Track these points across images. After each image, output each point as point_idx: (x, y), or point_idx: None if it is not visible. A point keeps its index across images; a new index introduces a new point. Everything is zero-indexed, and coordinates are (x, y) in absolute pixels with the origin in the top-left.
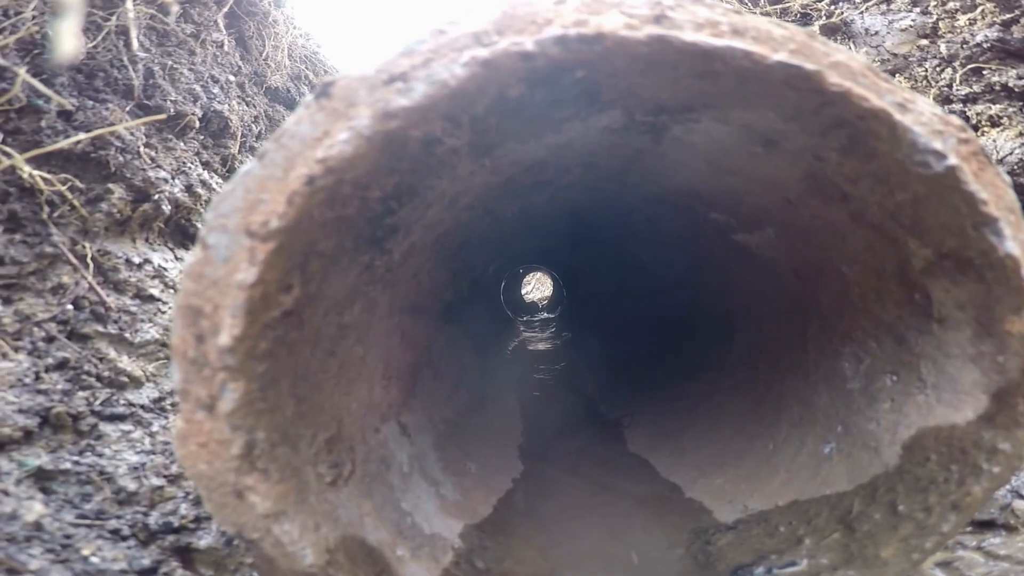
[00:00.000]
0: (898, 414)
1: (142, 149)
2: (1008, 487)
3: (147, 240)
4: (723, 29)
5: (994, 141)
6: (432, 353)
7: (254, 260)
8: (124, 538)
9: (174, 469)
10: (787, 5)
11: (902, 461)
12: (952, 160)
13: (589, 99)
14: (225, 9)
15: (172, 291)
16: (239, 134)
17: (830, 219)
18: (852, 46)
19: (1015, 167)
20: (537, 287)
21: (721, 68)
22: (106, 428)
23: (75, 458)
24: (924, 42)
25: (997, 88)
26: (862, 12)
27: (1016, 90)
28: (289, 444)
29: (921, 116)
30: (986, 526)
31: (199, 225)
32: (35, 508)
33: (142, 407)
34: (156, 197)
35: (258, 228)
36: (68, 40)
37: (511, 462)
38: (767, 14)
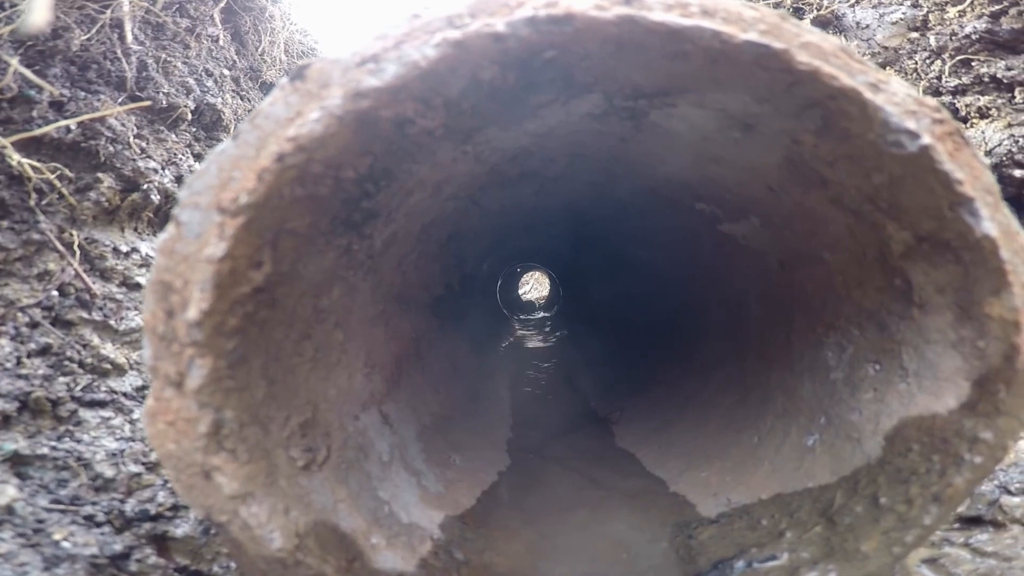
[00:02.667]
0: (880, 404)
1: (132, 140)
2: (996, 482)
3: (136, 229)
4: (693, 10)
5: (983, 132)
6: (420, 345)
7: (223, 235)
8: (98, 524)
9: (153, 456)
10: None
11: (884, 452)
12: (926, 140)
13: (565, 82)
14: (221, 4)
15: None
16: (232, 127)
17: (811, 206)
18: (844, 39)
19: (1003, 158)
20: (535, 287)
21: (691, 49)
22: (86, 414)
23: (53, 443)
24: (914, 35)
25: (986, 79)
26: (853, 5)
27: (1005, 81)
28: (259, 425)
29: (894, 96)
30: (973, 522)
31: None
32: (8, 492)
33: (124, 394)
34: (145, 187)
35: (228, 204)
36: (39, 10)
37: (498, 455)
38: None
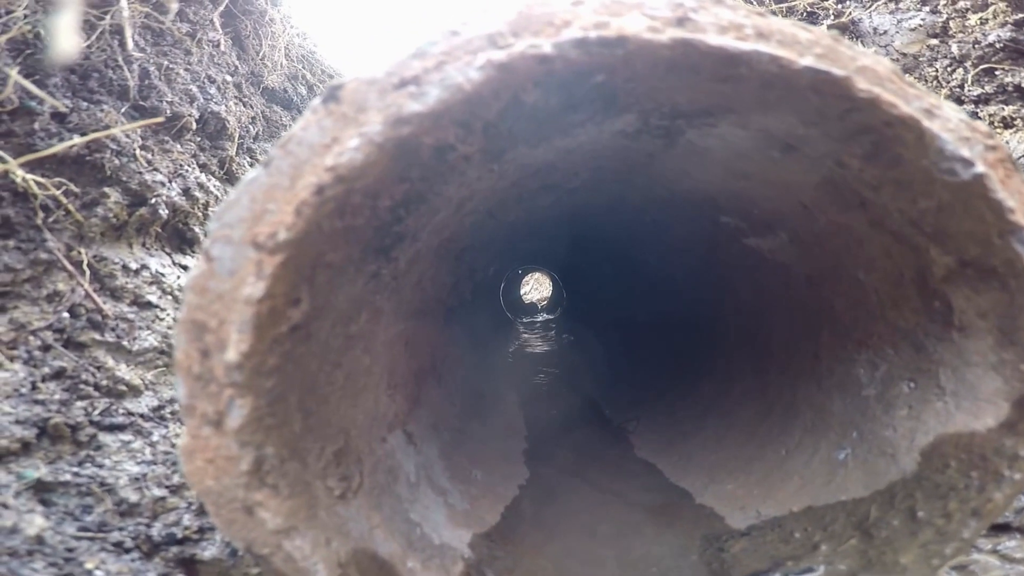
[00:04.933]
0: (916, 421)
1: (138, 152)
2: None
3: (144, 245)
4: (747, 32)
5: (1007, 142)
6: (436, 360)
7: (261, 274)
8: (127, 551)
9: (176, 479)
10: (793, 4)
11: (920, 468)
12: (980, 168)
13: (605, 103)
14: (221, 8)
15: (170, 297)
16: (236, 135)
17: (847, 225)
18: (860, 46)
19: None
20: (535, 287)
21: (746, 72)
22: (105, 438)
23: (75, 469)
24: (934, 42)
25: (1010, 89)
26: (870, 11)
27: None
28: (298, 459)
29: (948, 123)
30: (1001, 529)
31: (197, 229)
32: (36, 521)
33: (141, 416)
34: (153, 201)
35: (265, 240)
36: (65, 37)
37: (517, 468)
38: (773, 13)
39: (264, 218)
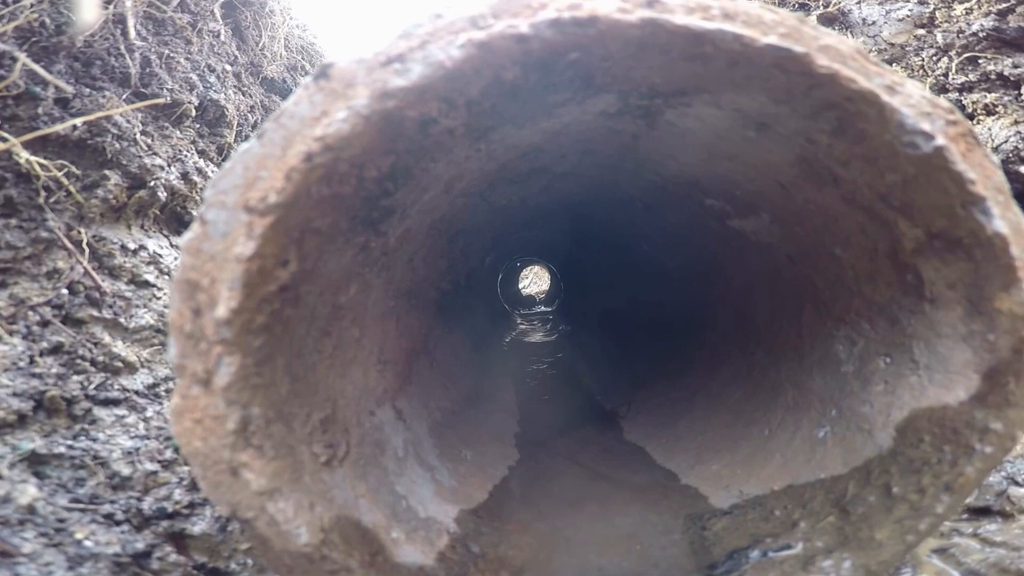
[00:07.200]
0: (891, 396)
1: (139, 136)
2: (1003, 474)
3: (142, 227)
4: (714, 13)
5: (989, 129)
6: (429, 341)
7: (252, 234)
8: (118, 523)
9: (168, 454)
10: None
11: (896, 443)
12: (940, 141)
13: (583, 83)
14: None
15: (167, 277)
16: (235, 123)
17: (823, 203)
18: (850, 36)
19: (1010, 155)
20: (535, 281)
21: (712, 51)
22: (100, 413)
23: (69, 442)
24: (921, 31)
25: (993, 77)
26: (859, 2)
27: (1011, 79)
28: (284, 422)
29: (910, 98)
30: (982, 513)
31: (194, 212)
32: (29, 491)
33: (136, 392)
34: (152, 184)
35: (256, 203)
36: (88, 6)
37: (507, 450)
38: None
39: (256, 184)
